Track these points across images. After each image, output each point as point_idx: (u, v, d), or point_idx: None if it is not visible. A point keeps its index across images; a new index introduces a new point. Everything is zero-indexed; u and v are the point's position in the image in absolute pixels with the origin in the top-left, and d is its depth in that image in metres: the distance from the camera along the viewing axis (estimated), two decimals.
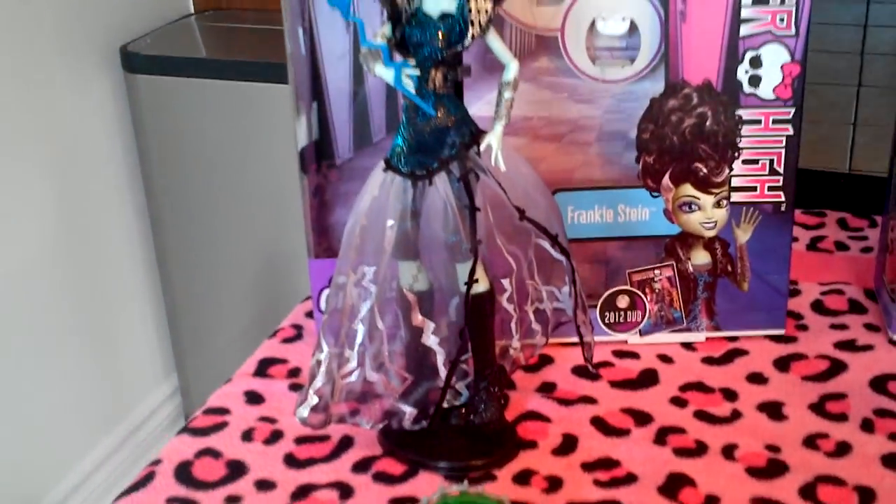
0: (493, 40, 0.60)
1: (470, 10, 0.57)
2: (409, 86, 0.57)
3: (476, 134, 0.61)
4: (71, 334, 1.84)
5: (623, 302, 0.77)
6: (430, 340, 0.65)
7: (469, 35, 0.58)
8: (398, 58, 0.58)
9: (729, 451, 0.67)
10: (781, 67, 0.71)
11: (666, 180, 0.74)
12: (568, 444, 0.68)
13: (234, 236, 1.89)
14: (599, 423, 0.70)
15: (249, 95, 1.75)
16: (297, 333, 0.82)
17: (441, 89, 0.59)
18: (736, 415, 0.71)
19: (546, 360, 0.76)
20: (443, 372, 0.66)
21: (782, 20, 0.70)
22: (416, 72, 0.57)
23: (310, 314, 0.83)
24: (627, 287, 0.77)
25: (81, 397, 1.89)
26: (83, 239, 1.84)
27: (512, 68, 0.60)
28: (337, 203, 0.78)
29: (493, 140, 0.60)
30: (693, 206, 0.75)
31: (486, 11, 0.58)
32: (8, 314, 1.68)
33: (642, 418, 0.71)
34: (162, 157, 1.86)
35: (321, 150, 0.76)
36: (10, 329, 1.69)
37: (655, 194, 0.74)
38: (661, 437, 0.69)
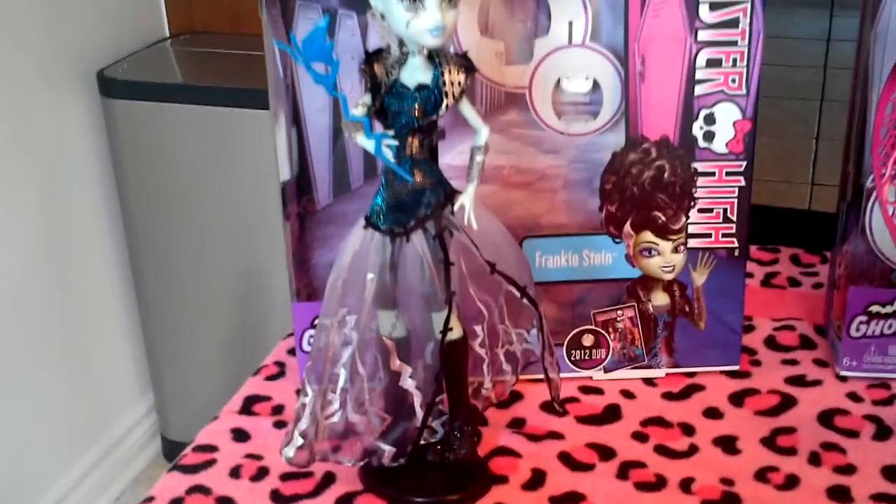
0: (466, 108, 0.64)
1: (444, 83, 0.62)
2: (389, 155, 0.62)
3: (450, 194, 0.66)
4: (48, 354, 1.86)
5: (588, 340, 0.82)
6: (408, 383, 0.70)
7: (444, 105, 0.62)
8: (378, 128, 0.63)
9: (686, 485, 0.72)
10: (734, 124, 0.76)
11: (627, 227, 0.79)
12: (537, 479, 0.73)
13: (209, 257, 1.92)
14: (566, 458, 0.75)
15: (225, 120, 1.79)
16: (280, 371, 0.86)
17: (418, 154, 0.64)
18: (693, 449, 0.75)
19: (516, 397, 0.81)
20: (419, 413, 0.70)
21: (734, 81, 0.75)
22: (395, 142, 0.62)
23: (291, 351, 0.88)
24: (592, 326, 0.82)
25: (58, 416, 1.91)
26: (60, 260, 1.86)
27: (483, 134, 0.65)
28: (316, 245, 0.82)
29: (465, 200, 0.65)
30: (653, 252, 0.79)
31: (459, 83, 0.63)
32: None
33: (606, 453, 0.75)
34: (139, 180, 1.89)
35: (301, 188, 0.79)
36: None
37: (618, 240, 0.79)
38: (624, 471, 0.73)
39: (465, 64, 0.63)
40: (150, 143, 1.86)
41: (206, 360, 2.02)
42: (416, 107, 0.62)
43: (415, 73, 0.62)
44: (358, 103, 0.63)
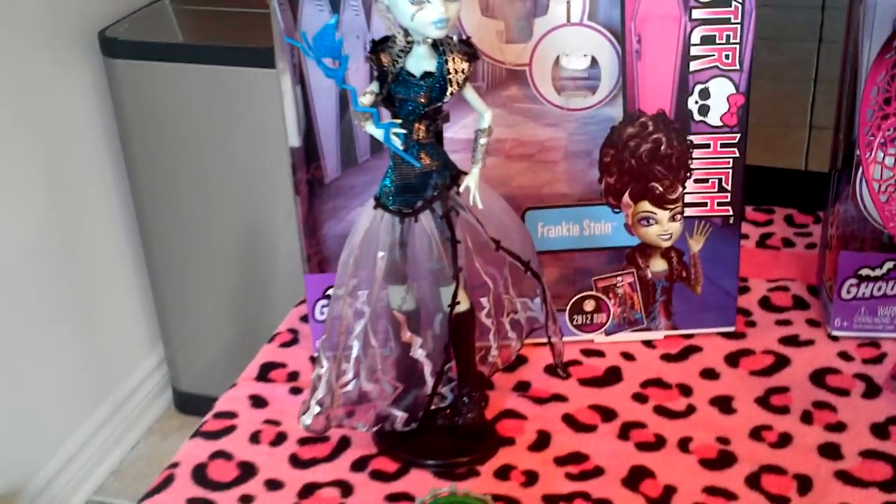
0: (469, 94, 0.67)
1: (449, 71, 0.65)
2: (397, 142, 0.64)
3: (456, 175, 0.69)
4: (61, 312, 1.89)
5: (589, 305, 0.86)
6: (418, 354, 0.73)
7: (448, 92, 0.65)
8: (386, 117, 0.65)
9: (684, 444, 0.75)
10: (727, 98, 0.78)
11: (626, 198, 0.82)
12: (542, 441, 0.77)
13: (214, 214, 1.95)
14: (570, 420, 0.79)
15: (228, 79, 1.80)
16: (294, 338, 0.90)
17: (424, 139, 0.67)
18: (691, 409, 0.79)
19: (521, 361, 0.84)
20: (430, 381, 0.74)
21: (727, 57, 0.77)
22: (403, 131, 0.64)
23: (304, 319, 0.91)
24: (593, 292, 0.85)
25: (73, 371, 1.95)
26: (69, 220, 1.89)
27: (486, 118, 0.68)
28: (325, 217, 0.85)
29: (471, 182, 0.68)
30: (651, 221, 0.83)
31: (463, 71, 0.65)
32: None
33: (608, 414, 0.79)
34: (143, 139, 1.91)
35: (308, 156, 0.82)
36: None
37: (617, 210, 0.82)
38: (625, 431, 0.77)
39: (469, 52, 0.66)
40: (154, 103, 1.87)
41: (214, 315, 2.06)
42: (423, 94, 0.65)
43: (420, 62, 0.65)
44: (365, 91, 0.66)
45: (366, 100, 0.65)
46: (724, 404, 0.79)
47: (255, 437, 0.79)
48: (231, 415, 0.81)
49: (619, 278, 0.85)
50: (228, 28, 1.93)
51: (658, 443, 0.76)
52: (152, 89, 1.86)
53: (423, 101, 0.65)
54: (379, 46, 0.66)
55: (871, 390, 0.80)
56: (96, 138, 1.94)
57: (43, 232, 1.83)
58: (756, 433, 0.76)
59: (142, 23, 1.94)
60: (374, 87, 0.66)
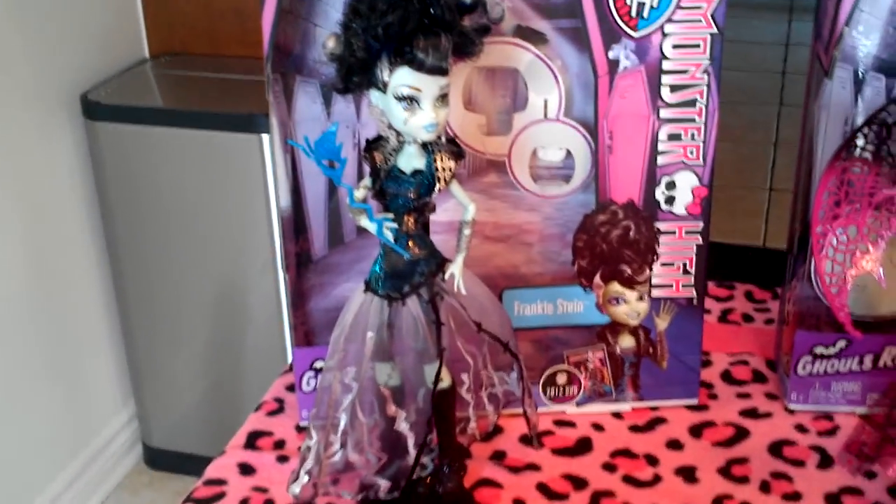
0: (455, 189, 0.73)
1: (437, 169, 0.70)
2: (389, 236, 0.70)
3: (441, 263, 0.74)
4: (34, 368, 1.91)
5: (562, 378, 0.91)
6: (402, 427, 0.78)
7: (436, 189, 0.71)
8: (378, 212, 0.71)
9: None
10: (692, 190, 0.84)
11: (597, 279, 0.87)
12: None
13: (188, 273, 1.99)
14: (543, 489, 0.83)
15: (207, 143, 1.86)
16: (280, 407, 0.94)
17: (412, 230, 0.72)
18: (657, 479, 0.84)
19: (497, 431, 0.89)
20: (412, 452, 0.78)
21: (692, 152, 0.83)
22: (395, 225, 0.70)
23: (290, 388, 0.95)
24: (566, 366, 0.90)
25: (45, 426, 1.96)
26: (45, 278, 1.92)
27: (470, 210, 0.73)
28: (313, 293, 0.89)
29: (455, 269, 0.73)
30: (620, 301, 0.88)
31: (450, 169, 0.71)
32: None
33: (579, 483, 0.84)
34: (122, 200, 1.96)
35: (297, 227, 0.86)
36: None
37: (588, 290, 0.88)
38: (596, 500, 0.82)
39: (455, 150, 0.71)
40: (133, 165, 1.92)
41: (185, 371, 2.09)
42: (412, 190, 0.70)
43: (410, 160, 0.70)
44: (360, 186, 0.71)
45: (360, 194, 0.71)
46: (688, 474, 0.85)
47: None
48: (221, 482, 0.85)
49: (590, 353, 0.90)
50: (207, 93, 1.98)
51: None
52: (132, 151, 1.91)
53: (412, 196, 0.70)
54: (372, 145, 0.71)
55: (825, 461, 0.85)
56: (76, 198, 1.98)
57: (20, 288, 1.85)
58: (718, 502, 0.81)
59: (124, 86, 1.99)
60: (368, 182, 0.71)
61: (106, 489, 2.15)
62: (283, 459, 0.87)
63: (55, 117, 1.90)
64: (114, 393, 2.17)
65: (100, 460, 2.12)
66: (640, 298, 0.88)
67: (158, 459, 2.20)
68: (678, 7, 0.80)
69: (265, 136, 1.80)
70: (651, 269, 0.87)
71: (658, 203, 0.85)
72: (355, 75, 0.67)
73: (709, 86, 0.81)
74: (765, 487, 0.83)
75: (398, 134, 0.70)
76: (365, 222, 0.70)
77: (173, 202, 1.92)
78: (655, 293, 0.88)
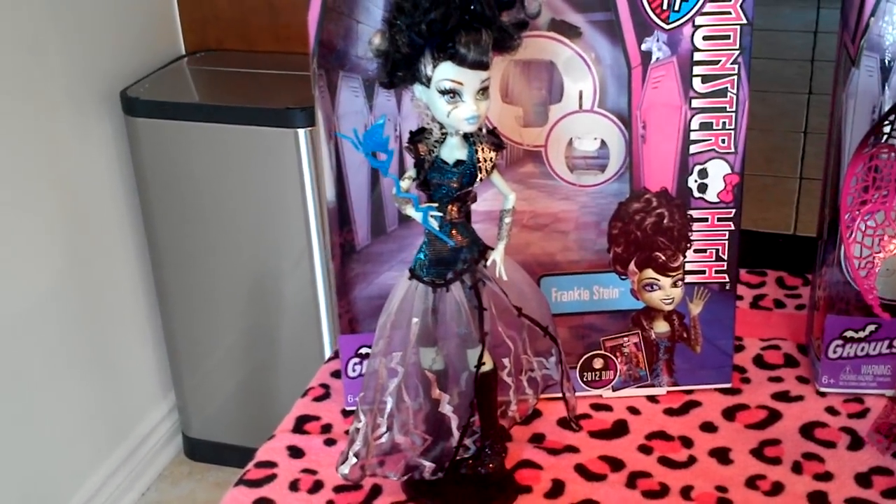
0: (496, 179, 0.75)
1: (479, 160, 0.73)
2: (434, 224, 0.72)
3: (483, 250, 0.77)
4: (76, 361, 1.96)
5: (598, 363, 0.93)
6: (446, 409, 0.81)
7: (478, 178, 0.73)
8: (423, 200, 0.74)
9: (686, 493, 0.83)
10: (724, 178, 0.87)
11: (632, 266, 0.90)
12: (557, 489, 0.84)
13: (226, 266, 2.02)
14: (582, 470, 0.86)
15: (244, 138, 1.89)
16: (326, 392, 0.97)
17: (455, 218, 0.75)
18: (692, 460, 0.87)
19: (536, 414, 0.92)
20: (456, 434, 0.81)
21: (724, 141, 0.86)
22: (440, 214, 0.73)
23: (334, 374, 0.98)
24: (602, 351, 0.93)
25: (86, 419, 2.01)
26: (87, 271, 1.96)
27: (510, 199, 0.76)
28: (357, 281, 0.92)
29: (497, 256, 0.76)
30: (654, 287, 0.91)
31: (491, 159, 0.74)
32: (20, 345, 1.80)
33: (616, 464, 0.86)
34: (161, 194, 2.00)
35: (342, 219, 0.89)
36: (20, 359, 1.81)
37: (623, 277, 0.90)
38: (632, 480, 0.85)
39: (496, 142, 0.74)
40: (172, 159, 1.96)
41: (224, 362, 2.13)
42: (455, 180, 0.73)
43: (453, 151, 0.73)
44: (405, 177, 0.74)
45: (405, 184, 0.74)
46: (722, 455, 0.87)
47: (294, 486, 0.86)
48: (271, 464, 0.88)
49: (626, 339, 0.93)
50: (245, 88, 2.02)
51: (662, 491, 0.83)
52: (170, 146, 1.94)
53: (455, 185, 0.73)
54: (416, 137, 0.74)
55: (856, 443, 0.87)
56: (116, 192, 2.02)
57: (62, 283, 1.89)
58: (751, 482, 0.84)
59: (162, 82, 2.03)
60: (412, 173, 0.74)
61: (147, 480, 2.19)
62: (330, 443, 0.90)
63: (95, 114, 1.94)
64: (154, 384, 2.21)
65: (140, 451, 2.17)
66: (674, 284, 0.90)
67: (198, 450, 2.25)
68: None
69: (301, 131, 1.83)
70: (684, 256, 0.89)
71: (691, 191, 0.87)
72: (400, 70, 0.70)
73: (739, 75, 0.83)
74: (796, 468, 0.85)
75: (441, 126, 0.73)
76: (410, 211, 0.73)
77: (211, 196, 1.96)
78: (689, 279, 0.90)
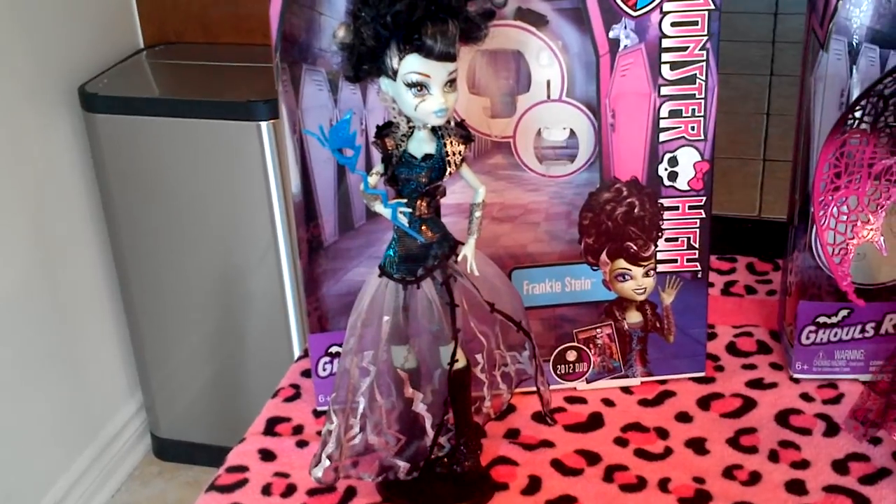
0: (465, 172, 0.74)
1: (447, 153, 0.72)
2: (403, 220, 0.71)
3: (454, 246, 0.75)
4: (41, 362, 1.93)
5: (572, 356, 0.92)
6: (420, 408, 0.79)
7: (447, 172, 0.72)
8: (391, 196, 0.72)
9: (664, 485, 0.82)
10: (694, 165, 0.86)
11: (603, 256, 0.89)
12: (534, 485, 0.83)
13: (190, 262, 2.00)
14: (558, 465, 0.85)
15: (205, 132, 1.87)
16: (296, 393, 0.95)
17: (425, 214, 0.73)
18: (668, 451, 0.86)
19: (510, 409, 0.91)
20: (430, 433, 0.80)
21: (693, 128, 0.85)
22: (409, 210, 0.71)
23: (304, 373, 0.97)
24: (575, 343, 0.92)
25: (54, 420, 1.98)
26: (49, 270, 1.93)
27: (480, 193, 0.75)
28: (325, 278, 0.91)
29: (468, 251, 0.75)
30: (626, 277, 0.90)
31: (460, 153, 0.72)
32: None
33: (592, 458, 0.86)
34: (122, 190, 1.97)
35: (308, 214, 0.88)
36: None
37: (595, 268, 0.89)
38: (609, 474, 0.84)
39: (464, 134, 0.73)
40: (133, 155, 1.93)
41: (191, 361, 2.11)
42: (424, 174, 0.72)
43: (421, 145, 0.72)
44: (372, 172, 0.72)
45: (373, 180, 0.72)
46: (698, 446, 0.86)
47: (266, 490, 0.84)
48: (242, 468, 0.87)
49: (599, 330, 0.92)
50: (206, 81, 1.99)
51: (640, 484, 0.82)
52: (131, 142, 1.92)
53: (424, 180, 0.72)
54: (383, 132, 0.73)
55: (831, 429, 0.87)
56: (78, 191, 1.99)
57: (23, 282, 1.86)
58: (728, 472, 0.83)
59: (121, 77, 1.99)
60: (380, 168, 0.73)
61: (117, 480, 2.17)
62: (302, 444, 0.89)
63: (54, 110, 1.91)
64: (121, 384, 2.19)
65: (110, 452, 2.14)
66: (646, 274, 0.90)
67: (167, 450, 2.22)
68: None
69: (263, 124, 1.81)
70: (656, 245, 0.89)
71: (661, 179, 0.86)
72: (365, 63, 0.68)
73: (707, 61, 0.83)
74: (773, 456, 0.85)
75: (408, 120, 0.71)
76: (379, 208, 0.71)
77: (173, 192, 1.93)
78: (661, 268, 0.89)
